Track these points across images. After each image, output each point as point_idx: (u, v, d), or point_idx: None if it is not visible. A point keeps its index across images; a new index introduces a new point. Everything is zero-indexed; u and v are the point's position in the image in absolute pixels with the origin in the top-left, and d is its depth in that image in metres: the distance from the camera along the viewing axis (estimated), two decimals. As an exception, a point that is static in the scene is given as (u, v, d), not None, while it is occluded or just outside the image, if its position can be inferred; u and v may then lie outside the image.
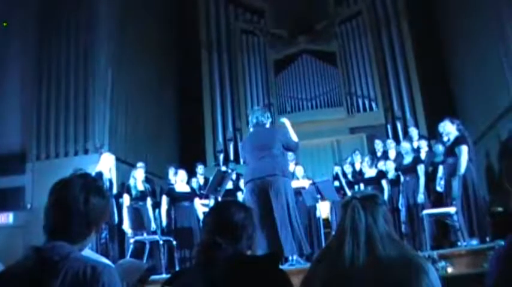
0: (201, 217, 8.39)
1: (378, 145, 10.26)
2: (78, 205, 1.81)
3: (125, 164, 10.05)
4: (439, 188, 8.03)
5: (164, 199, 8.30)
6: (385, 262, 1.80)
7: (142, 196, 8.17)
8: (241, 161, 6.63)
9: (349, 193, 9.06)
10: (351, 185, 9.41)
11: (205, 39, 14.60)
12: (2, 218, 10.10)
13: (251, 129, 6.46)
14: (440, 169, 7.93)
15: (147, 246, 7.65)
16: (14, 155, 10.42)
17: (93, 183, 1.92)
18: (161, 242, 7.58)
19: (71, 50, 10.80)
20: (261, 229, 5.82)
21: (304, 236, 6.10)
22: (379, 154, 10.06)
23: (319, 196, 7.51)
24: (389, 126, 13.08)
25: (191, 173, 9.38)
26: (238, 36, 14.54)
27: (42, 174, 9.62)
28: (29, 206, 9.89)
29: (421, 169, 8.14)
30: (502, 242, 1.76)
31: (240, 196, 9.04)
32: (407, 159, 8.39)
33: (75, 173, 1.94)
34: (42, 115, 10.58)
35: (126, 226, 7.81)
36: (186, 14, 14.92)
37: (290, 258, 5.80)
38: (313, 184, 7.67)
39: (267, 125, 6.36)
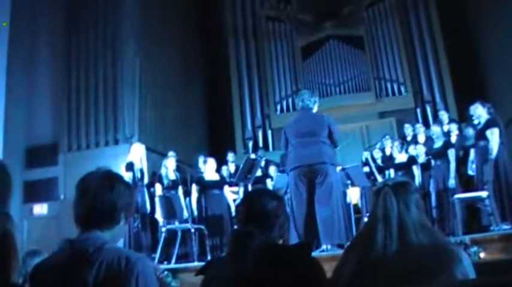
0: (231, 204, 8.44)
1: (408, 129, 10.13)
2: (103, 192, 1.84)
3: (155, 153, 10.12)
4: (470, 172, 7.92)
5: (194, 188, 8.35)
6: (418, 250, 1.80)
7: (173, 185, 8.22)
8: (281, 145, 6.30)
9: (379, 178, 9.01)
10: (381, 170, 9.34)
11: (232, 27, 14.57)
12: (36, 209, 10.28)
13: (298, 112, 6.30)
14: (472, 152, 7.80)
15: (179, 234, 7.72)
16: (46, 147, 10.58)
17: (117, 174, 1.97)
18: (192, 230, 7.63)
19: (98, 41, 10.91)
20: (304, 217, 5.78)
21: (344, 228, 5.89)
22: (409, 138, 9.93)
23: (349, 182, 7.47)
24: (418, 110, 12.88)
25: (221, 161, 9.40)
26: (265, 24, 14.43)
27: (74, 165, 9.75)
28: (62, 197, 10.04)
29: (451, 153, 7.98)
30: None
31: (270, 183, 9.05)
32: (438, 143, 8.26)
33: (99, 169, 1.97)
34: (73, 107, 10.72)
35: (159, 215, 7.88)
36: (211, 2, 14.90)
37: (324, 246, 5.69)
38: (343, 169, 7.61)
39: (314, 110, 6.19)
